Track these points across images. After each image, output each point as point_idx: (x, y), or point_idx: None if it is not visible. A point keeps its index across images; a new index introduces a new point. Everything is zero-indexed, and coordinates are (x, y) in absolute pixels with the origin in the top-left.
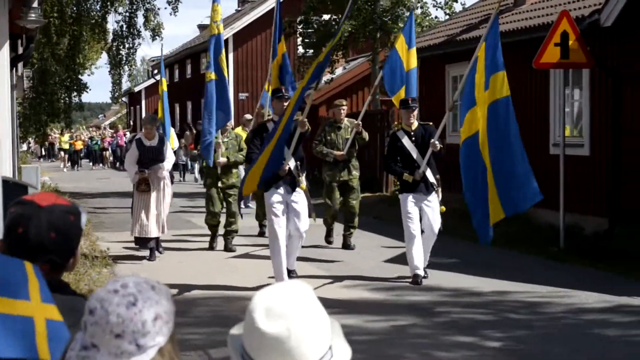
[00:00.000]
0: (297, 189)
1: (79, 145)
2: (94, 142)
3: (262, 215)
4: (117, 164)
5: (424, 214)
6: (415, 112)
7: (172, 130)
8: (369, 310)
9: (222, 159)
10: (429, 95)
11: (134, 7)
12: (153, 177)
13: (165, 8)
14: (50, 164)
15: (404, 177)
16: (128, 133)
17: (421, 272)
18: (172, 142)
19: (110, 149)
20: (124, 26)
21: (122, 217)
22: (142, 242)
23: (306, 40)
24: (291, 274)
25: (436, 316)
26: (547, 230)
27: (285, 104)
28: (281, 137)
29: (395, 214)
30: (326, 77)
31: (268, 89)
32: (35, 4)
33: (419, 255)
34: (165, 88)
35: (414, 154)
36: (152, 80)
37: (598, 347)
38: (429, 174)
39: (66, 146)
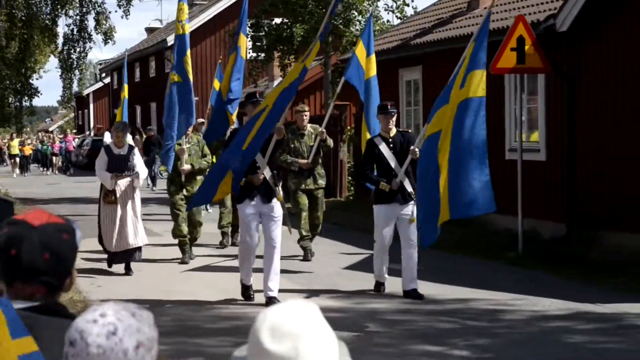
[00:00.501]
0: (273, 199)
1: (27, 150)
2: (44, 146)
3: (226, 223)
4: (68, 169)
5: (401, 225)
6: (394, 118)
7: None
8: (331, 319)
9: (186, 166)
10: (383, 100)
11: (85, 11)
12: (123, 185)
13: (116, 11)
14: (1, 168)
15: (380, 186)
16: (77, 139)
17: (384, 280)
18: None
19: (60, 153)
20: (75, 30)
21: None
22: (118, 256)
23: (257, 43)
24: (273, 301)
25: (400, 324)
26: (505, 235)
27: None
28: (255, 141)
29: (350, 220)
30: (277, 80)
31: (218, 87)
32: None
33: (385, 264)
34: (126, 95)
35: (392, 162)
36: (100, 84)
37: (564, 354)
38: (407, 184)
39: (16, 151)
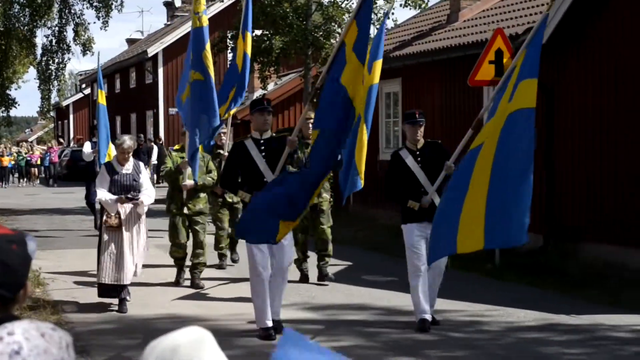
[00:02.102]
0: None
1: (5, 161)
2: (21, 157)
3: (221, 241)
4: (55, 181)
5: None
6: (422, 128)
7: (112, 146)
8: (306, 330)
9: (189, 182)
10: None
11: (64, 22)
12: (127, 209)
13: (95, 22)
14: None
15: (408, 205)
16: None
17: (429, 316)
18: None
19: (43, 165)
20: (54, 41)
21: (53, 234)
22: (109, 290)
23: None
24: (277, 327)
25: (376, 336)
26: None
27: (269, 117)
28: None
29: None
30: (257, 92)
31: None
32: None
33: (425, 296)
34: (103, 101)
35: (421, 177)
36: (79, 95)
37: None
38: (438, 202)
39: None
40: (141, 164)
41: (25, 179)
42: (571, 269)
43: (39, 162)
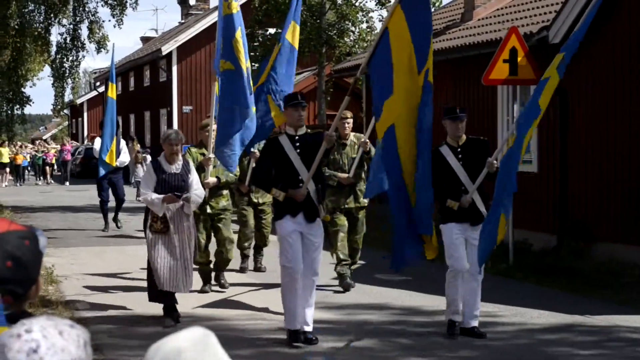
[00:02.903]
0: (317, 220)
1: (20, 159)
2: (37, 156)
3: (244, 240)
4: (66, 179)
5: (469, 250)
6: (464, 123)
7: (123, 142)
8: (322, 330)
9: (212, 179)
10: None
11: (78, 19)
12: (175, 213)
13: (109, 20)
14: None
15: (447, 204)
16: (75, 143)
17: (459, 318)
18: (113, 156)
19: (56, 164)
20: (68, 38)
21: (66, 231)
22: (160, 295)
23: (251, 54)
24: (308, 337)
25: (392, 336)
26: (496, 246)
27: (303, 112)
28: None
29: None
30: None
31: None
32: None
33: (460, 297)
34: (113, 95)
35: (462, 175)
36: (94, 93)
37: None
38: (479, 203)
39: (5, 160)
40: (190, 162)
41: (41, 177)
42: (585, 269)
43: (54, 161)
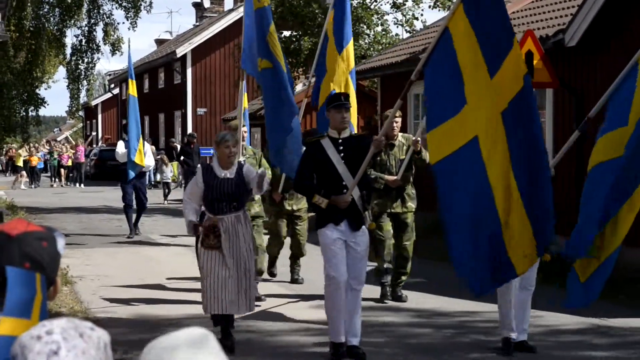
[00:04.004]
0: (362, 228)
1: (35, 161)
2: (53, 158)
3: (274, 246)
4: (80, 181)
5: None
6: (349, 113)
7: (147, 144)
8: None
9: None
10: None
11: (93, 22)
12: (230, 224)
13: (124, 23)
14: (10, 178)
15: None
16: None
17: (515, 335)
18: (142, 156)
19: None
20: (83, 40)
21: (81, 233)
22: (219, 318)
23: None
24: (354, 351)
25: (409, 338)
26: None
27: (347, 114)
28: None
29: None
30: None
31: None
32: None
33: (512, 311)
34: (134, 92)
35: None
36: (108, 95)
37: None
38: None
39: (21, 163)
40: (247, 166)
41: (56, 179)
42: None
43: (69, 163)
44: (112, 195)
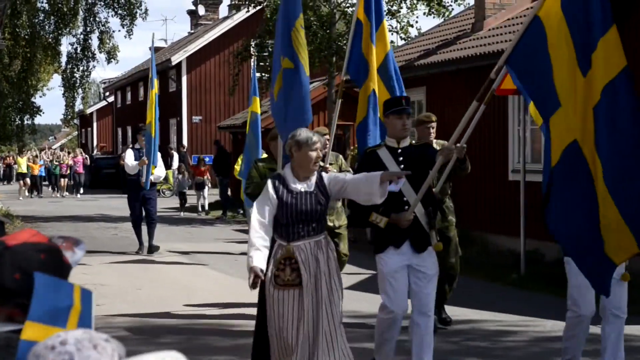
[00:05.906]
0: (428, 248)
1: (36, 169)
2: (54, 166)
3: None
4: (77, 191)
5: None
6: (411, 120)
7: (158, 153)
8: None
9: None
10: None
11: (88, 30)
12: (308, 253)
13: (119, 31)
14: (8, 186)
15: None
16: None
17: None
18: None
19: (69, 175)
20: (79, 48)
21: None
22: None
23: (261, 64)
24: None
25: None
26: (508, 256)
27: (408, 121)
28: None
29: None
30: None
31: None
32: None
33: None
34: (156, 91)
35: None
36: (103, 103)
37: None
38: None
39: (23, 170)
40: (329, 174)
41: (56, 188)
42: None
43: (68, 172)
44: (107, 204)
